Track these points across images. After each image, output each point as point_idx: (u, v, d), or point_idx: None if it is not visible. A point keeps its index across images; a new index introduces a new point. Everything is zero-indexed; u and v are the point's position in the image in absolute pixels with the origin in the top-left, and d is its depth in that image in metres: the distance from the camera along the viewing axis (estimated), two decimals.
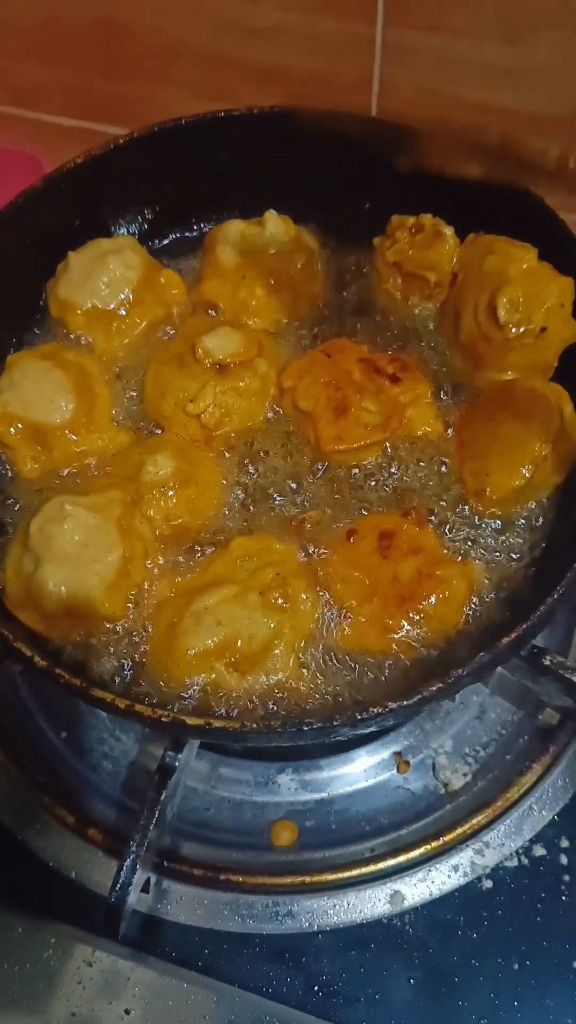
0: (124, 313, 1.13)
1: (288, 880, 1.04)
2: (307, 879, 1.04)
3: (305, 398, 1.05)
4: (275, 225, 1.15)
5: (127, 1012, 0.98)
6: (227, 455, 1.06)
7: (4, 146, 1.76)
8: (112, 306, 1.13)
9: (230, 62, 1.53)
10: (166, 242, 1.28)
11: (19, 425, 1.03)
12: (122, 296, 1.13)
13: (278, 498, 1.03)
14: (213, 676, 0.88)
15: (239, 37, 1.50)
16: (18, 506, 1.03)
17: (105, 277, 1.12)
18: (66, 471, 1.04)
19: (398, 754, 1.13)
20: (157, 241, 1.27)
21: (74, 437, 1.04)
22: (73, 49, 1.59)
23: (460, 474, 1.02)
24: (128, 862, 0.93)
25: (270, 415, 1.08)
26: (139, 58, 1.57)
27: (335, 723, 0.81)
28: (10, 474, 1.05)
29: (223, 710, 0.87)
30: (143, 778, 1.12)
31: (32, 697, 1.18)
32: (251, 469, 1.05)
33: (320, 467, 1.04)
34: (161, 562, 0.98)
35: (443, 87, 1.48)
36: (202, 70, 1.56)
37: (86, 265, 1.13)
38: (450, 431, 1.06)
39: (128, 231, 1.22)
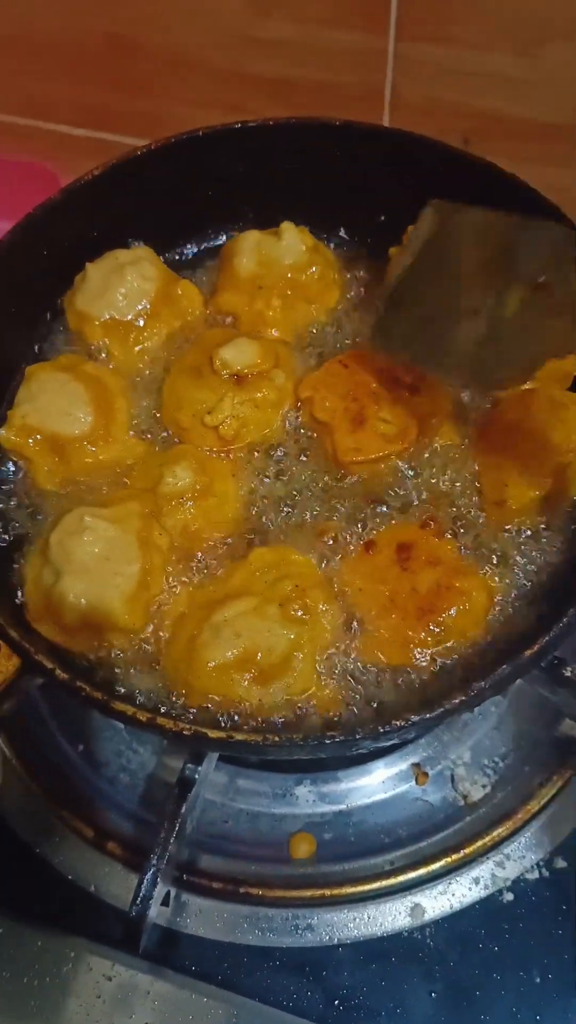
0: (142, 324, 1.13)
1: (307, 893, 1.04)
2: (326, 892, 1.04)
3: (322, 409, 1.05)
4: (291, 236, 1.15)
5: None
6: (245, 466, 1.05)
7: (17, 158, 1.77)
8: (129, 317, 1.13)
9: (240, 75, 1.54)
10: (182, 253, 1.28)
11: (37, 437, 1.03)
12: (139, 307, 1.13)
13: (296, 509, 1.02)
14: (233, 689, 0.87)
15: (250, 49, 1.51)
16: (38, 518, 1.03)
17: (123, 288, 1.12)
18: (84, 482, 1.04)
19: (416, 765, 1.13)
20: (174, 252, 1.27)
21: (92, 449, 1.04)
22: (85, 63, 1.61)
23: (479, 484, 1.02)
24: (148, 875, 0.94)
25: (288, 426, 1.08)
26: (150, 71, 1.59)
27: (357, 736, 0.80)
28: (29, 486, 1.05)
29: (244, 723, 0.87)
30: (161, 791, 1.11)
31: (49, 710, 1.18)
32: (269, 480, 1.04)
33: (339, 478, 1.04)
34: (179, 574, 0.98)
35: (453, 98, 1.48)
36: (213, 83, 1.57)
37: (103, 277, 1.13)
38: (468, 441, 1.06)
39: (145, 242, 1.22)
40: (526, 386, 1.05)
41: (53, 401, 1.04)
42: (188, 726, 0.82)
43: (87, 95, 1.68)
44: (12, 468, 1.06)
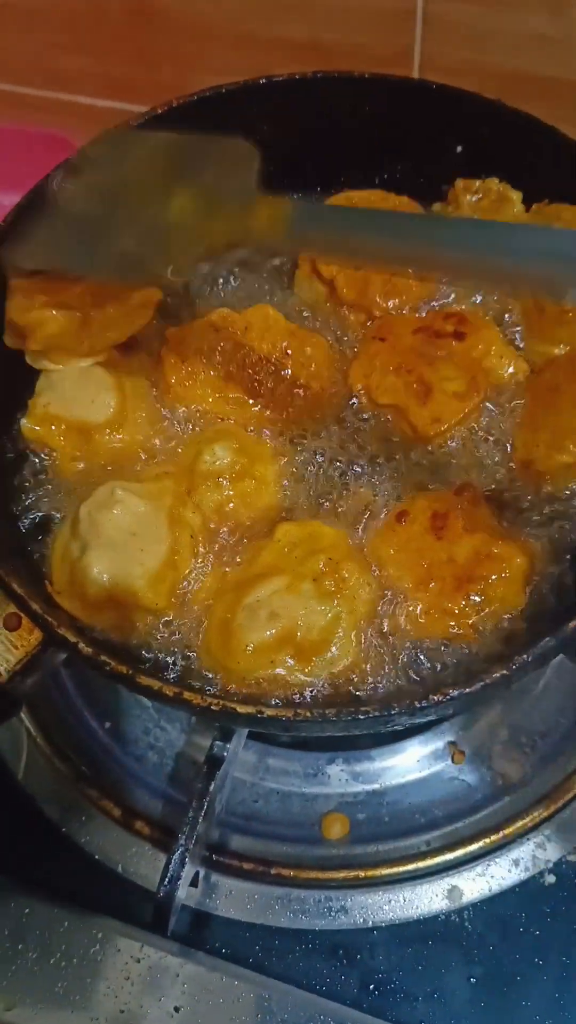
0: None
1: (341, 875, 1.02)
2: (360, 873, 1.02)
3: (383, 393, 1.00)
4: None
5: (176, 1010, 0.96)
6: (286, 447, 1.01)
7: (37, 129, 1.74)
8: None
9: (265, 40, 1.51)
10: None
11: (62, 426, 1.00)
12: None
13: (334, 488, 0.98)
14: (274, 669, 0.84)
15: (274, 13, 1.47)
16: (63, 498, 0.99)
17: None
18: (109, 467, 1.01)
19: (452, 743, 1.10)
20: None
21: (119, 436, 1.01)
22: (107, 33, 1.58)
23: (512, 443, 0.98)
24: (177, 855, 0.92)
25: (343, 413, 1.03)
26: (173, 39, 1.55)
27: (393, 712, 0.77)
28: (55, 472, 1.01)
29: (280, 700, 0.84)
30: (189, 769, 1.10)
31: (75, 688, 1.16)
32: (307, 461, 1.00)
33: (375, 450, 1.00)
34: (208, 553, 0.94)
35: (485, 58, 1.44)
36: (236, 49, 1.53)
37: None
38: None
39: None
40: (556, 350, 1.01)
41: (76, 389, 1.01)
42: (217, 701, 0.79)
43: (110, 66, 1.65)
44: (37, 456, 1.02)
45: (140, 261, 0.95)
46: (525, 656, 0.78)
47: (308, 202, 0.91)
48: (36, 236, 1.00)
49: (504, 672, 0.78)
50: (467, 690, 0.77)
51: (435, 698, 0.77)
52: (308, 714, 0.78)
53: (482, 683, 0.77)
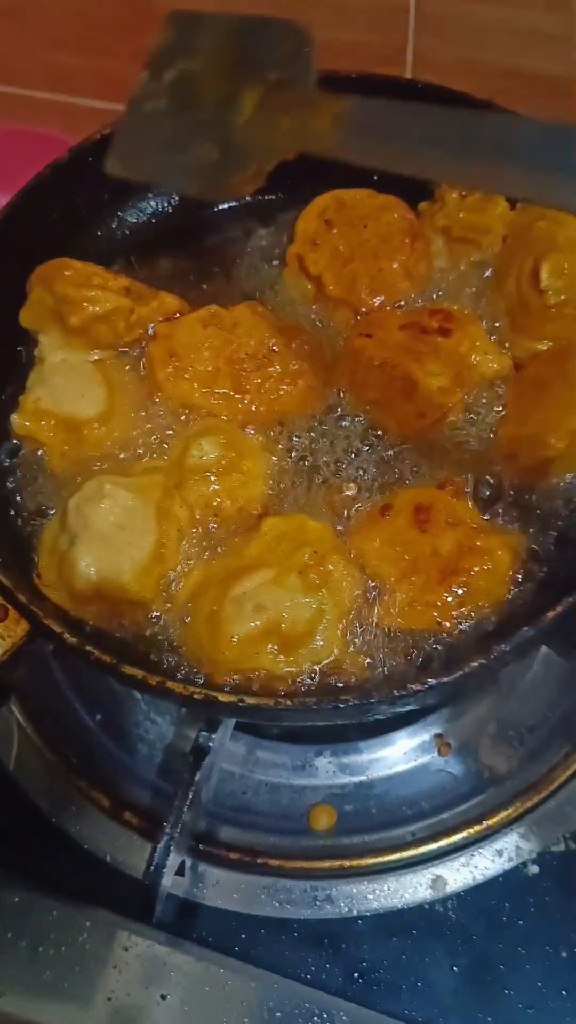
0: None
1: (327, 864, 1.02)
2: (346, 863, 1.02)
3: (369, 388, 1.01)
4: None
5: (163, 997, 0.96)
6: (272, 442, 1.02)
7: (36, 130, 1.75)
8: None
9: None
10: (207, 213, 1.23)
11: (51, 421, 1.01)
12: None
13: (319, 482, 0.99)
14: (259, 661, 0.85)
15: (269, 11, 1.46)
16: (58, 488, 1.00)
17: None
18: (99, 458, 1.01)
19: (439, 736, 1.11)
20: (197, 213, 1.23)
21: (108, 431, 1.02)
22: (108, 33, 1.58)
23: (495, 435, 0.98)
24: (162, 844, 0.92)
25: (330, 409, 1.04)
26: None
27: (372, 700, 0.78)
28: (43, 466, 1.02)
29: (267, 692, 0.84)
30: (179, 761, 1.10)
31: (66, 679, 1.17)
32: (294, 455, 1.01)
33: (360, 445, 1.01)
34: (195, 547, 0.95)
35: (481, 56, 1.44)
36: None
37: None
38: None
39: (160, 207, 1.19)
40: (542, 346, 1.02)
41: (66, 383, 1.02)
42: (199, 690, 0.80)
43: (110, 67, 1.65)
44: (27, 451, 1.03)
45: (218, 171, 0.89)
46: (504, 646, 0.79)
47: (369, 100, 0.81)
48: (126, 143, 0.95)
49: (483, 661, 0.79)
50: (446, 679, 0.78)
51: (414, 687, 0.78)
52: (289, 703, 0.79)
53: (461, 672, 0.78)
